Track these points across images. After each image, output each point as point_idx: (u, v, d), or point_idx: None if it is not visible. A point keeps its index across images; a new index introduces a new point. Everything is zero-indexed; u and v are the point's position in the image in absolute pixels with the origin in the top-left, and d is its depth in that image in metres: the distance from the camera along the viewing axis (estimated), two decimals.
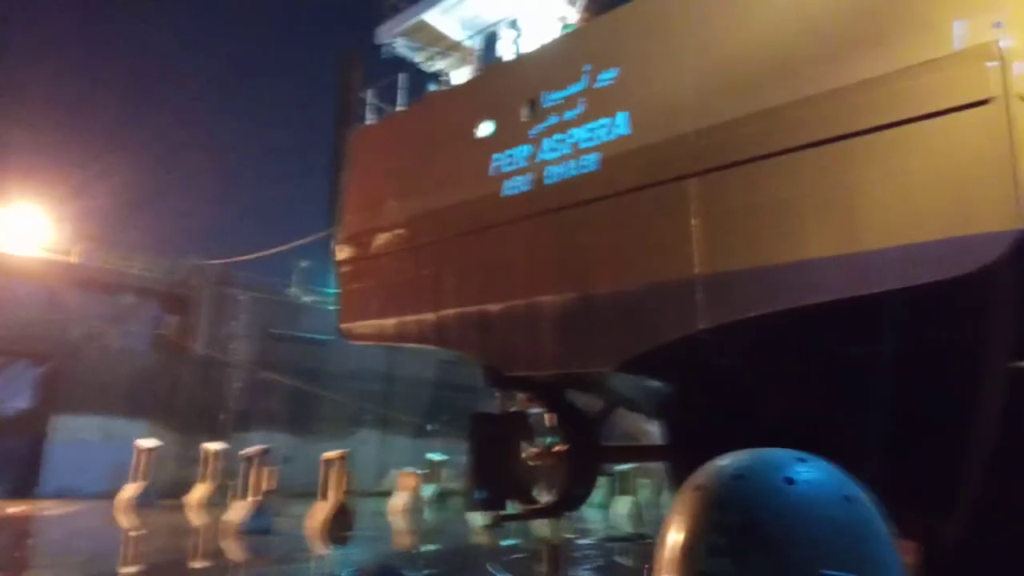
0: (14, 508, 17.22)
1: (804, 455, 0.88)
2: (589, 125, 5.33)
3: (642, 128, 5.05)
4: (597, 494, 19.70)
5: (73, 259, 24.21)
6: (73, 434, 22.11)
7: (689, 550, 0.79)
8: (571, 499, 7.32)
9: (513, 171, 5.65)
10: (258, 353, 25.85)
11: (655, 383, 5.93)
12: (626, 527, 17.57)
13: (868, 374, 4.49)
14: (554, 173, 5.39)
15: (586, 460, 6.85)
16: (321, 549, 12.76)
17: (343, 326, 8.04)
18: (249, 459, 14.70)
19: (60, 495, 19.56)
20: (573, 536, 14.55)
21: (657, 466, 10.34)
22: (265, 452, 14.78)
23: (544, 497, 7.69)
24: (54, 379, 23.32)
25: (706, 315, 4.74)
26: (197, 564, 11.15)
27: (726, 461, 0.85)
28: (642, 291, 5.07)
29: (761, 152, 4.53)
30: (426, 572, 11.09)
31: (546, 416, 7.18)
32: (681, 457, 5.71)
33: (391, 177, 7.02)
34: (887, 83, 4.11)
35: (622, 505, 19.88)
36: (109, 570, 10.65)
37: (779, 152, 4.48)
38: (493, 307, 6.23)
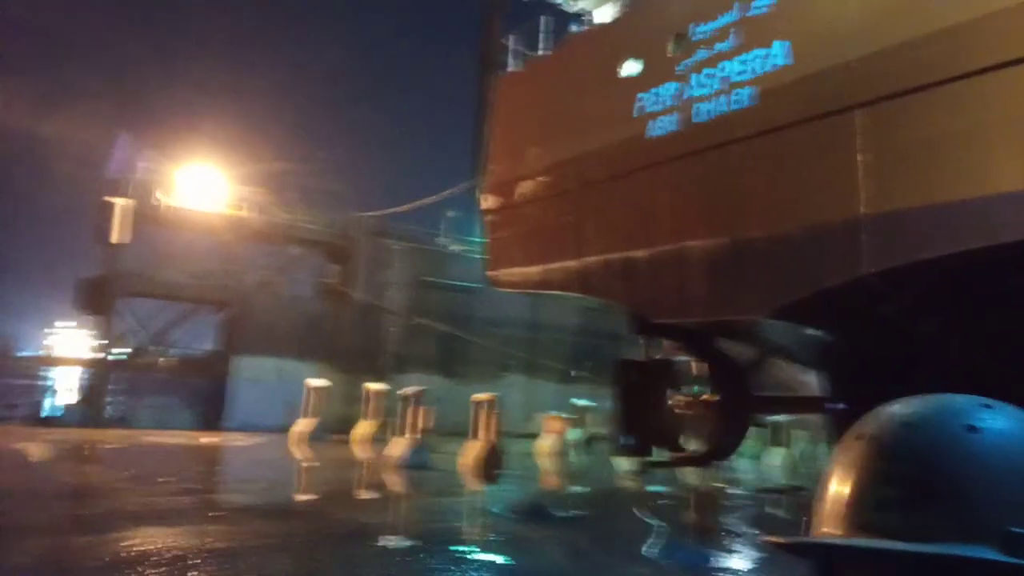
0: (206, 439, 19.35)
1: (990, 401, 0.78)
2: (743, 57, 4.98)
3: (802, 57, 4.66)
4: (748, 445, 19.20)
5: (246, 214, 26.25)
6: (251, 374, 24.34)
7: (854, 503, 0.73)
8: (720, 449, 7.15)
9: (659, 111, 5.41)
10: (411, 300, 27.13)
11: (813, 331, 5.58)
12: (779, 479, 17.03)
13: None
14: (704, 110, 5.12)
15: (736, 410, 6.64)
16: (474, 485, 13.38)
17: (490, 274, 8.17)
18: (407, 399, 15.56)
19: (242, 428, 21.73)
20: (722, 486, 14.30)
21: (814, 418, 9.86)
22: (421, 393, 15.57)
23: (692, 446, 7.57)
24: (233, 324, 25.70)
25: (872, 258, 4.37)
26: (364, 494, 12.03)
27: (897, 407, 0.76)
28: (801, 233, 4.74)
29: (940, 77, 4.04)
30: (574, 512, 11.34)
31: (694, 364, 6.99)
32: (842, 408, 5.38)
33: (534, 123, 6.98)
34: None
35: (775, 457, 19.27)
36: (287, 496, 11.75)
37: (961, 76, 3.98)
38: (638, 253, 6.08)
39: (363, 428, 18.73)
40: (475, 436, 15.14)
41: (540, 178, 6.76)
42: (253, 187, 27.13)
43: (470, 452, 14.97)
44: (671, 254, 5.51)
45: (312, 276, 28.60)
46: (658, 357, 6.89)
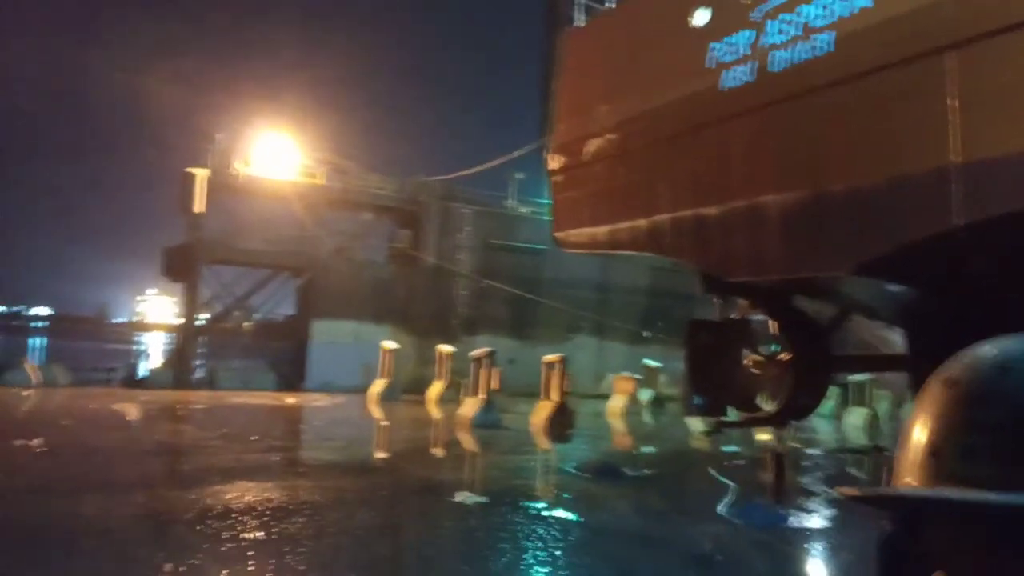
0: (289, 399, 20.16)
1: None
2: (822, 0, 4.73)
3: None
4: (827, 404, 18.74)
5: (320, 182, 26.84)
6: (329, 337, 25.12)
7: (939, 452, 0.68)
8: (797, 408, 7.00)
9: (733, 60, 5.21)
10: (480, 263, 27.35)
11: (897, 287, 5.36)
12: (860, 439, 16.60)
13: None
14: (781, 59, 4.90)
15: (814, 369, 6.47)
16: (544, 444, 13.54)
17: (557, 235, 8.12)
18: (477, 360, 15.80)
19: (322, 389, 22.53)
20: (799, 446, 14.05)
21: (897, 376, 9.53)
22: (491, 354, 15.77)
23: (768, 406, 7.44)
24: (310, 290, 26.50)
25: (962, 209, 4.14)
26: (438, 452, 12.35)
27: (987, 348, 0.70)
28: (885, 185, 4.53)
29: None
30: (645, 471, 11.37)
31: (770, 323, 6.83)
32: (927, 367, 5.15)
33: (601, 80, 6.83)
34: None
35: (855, 416, 18.77)
36: (366, 453, 12.18)
37: None
38: (711, 210, 5.93)
39: (435, 388, 19.16)
40: (545, 396, 15.28)
41: (608, 136, 6.65)
42: (326, 155, 27.70)
43: (540, 412, 15.13)
44: (745, 210, 5.36)
45: (384, 241, 29.14)
46: (732, 317, 6.76)
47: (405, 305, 26.60)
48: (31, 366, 20.64)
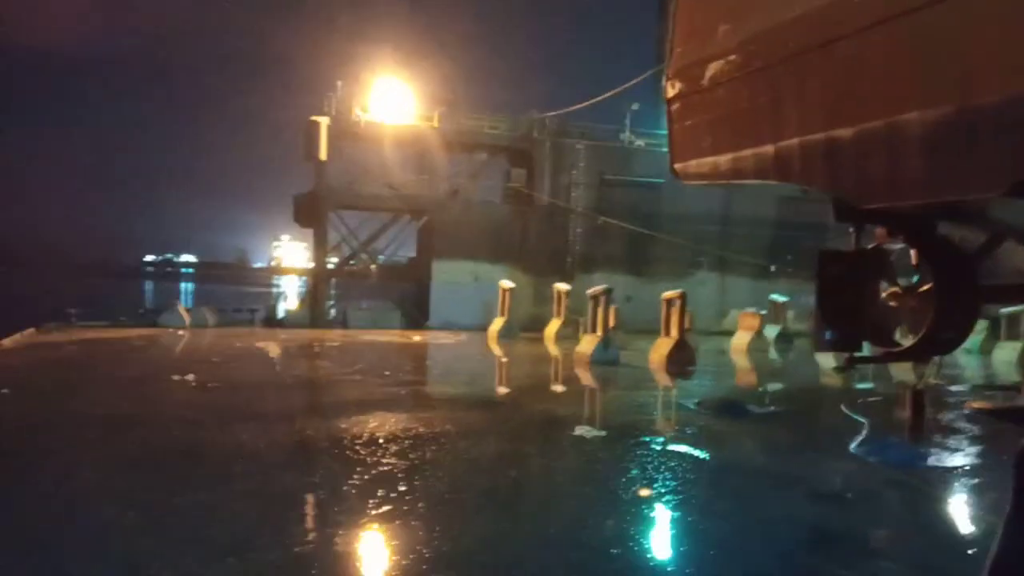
0: (416, 337, 21.01)
1: None
2: None
3: None
4: (975, 339, 17.47)
5: (435, 125, 27.17)
6: (449, 277, 25.84)
7: None
8: (939, 343, 6.55)
9: None
10: (596, 199, 27.02)
11: None
12: (1011, 375, 15.41)
13: None
14: None
15: (959, 301, 6.00)
16: (664, 381, 13.46)
17: (676, 166, 7.83)
18: (594, 298, 15.77)
19: (444, 327, 23.32)
20: (941, 383, 13.23)
21: None
22: (608, 291, 15.69)
23: (907, 341, 7.02)
24: (429, 232, 27.19)
25: None
26: (557, 388, 12.55)
27: None
28: None
29: None
30: (772, 408, 11.09)
31: (910, 252, 6.38)
32: None
33: None
34: None
35: (1007, 351, 17.42)
36: (489, 388, 12.57)
37: None
38: (843, 132, 5.52)
39: (553, 326, 19.35)
40: (665, 333, 15.10)
41: (730, 57, 6.29)
42: (441, 98, 27.93)
43: (659, 349, 14.99)
44: (884, 129, 4.96)
45: (499, 181, 29.30)
46: (868, 246, 6.36)
47: (521, 244, 26.81)
48: (182, 309, 22.55)
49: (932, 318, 6.44)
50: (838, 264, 6.24)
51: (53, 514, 5.14)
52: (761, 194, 23.88)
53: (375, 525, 5.03)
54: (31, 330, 17.76)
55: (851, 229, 6.19)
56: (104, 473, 6.23)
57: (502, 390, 12.43)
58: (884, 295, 6.76)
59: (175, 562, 4.26)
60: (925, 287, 6.33)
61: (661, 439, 8.15)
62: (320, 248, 27.22)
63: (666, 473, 6.63)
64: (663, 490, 6.07)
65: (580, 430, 8.52)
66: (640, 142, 28.32)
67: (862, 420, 9.32)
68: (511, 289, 20.46)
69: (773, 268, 25.03)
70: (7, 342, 15.46)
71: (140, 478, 6.13)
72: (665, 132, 6.97)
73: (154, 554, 4.40)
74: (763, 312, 19.67)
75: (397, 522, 5.06)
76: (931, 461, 7.59)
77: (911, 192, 5.13)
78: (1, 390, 9.93)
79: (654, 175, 25.28)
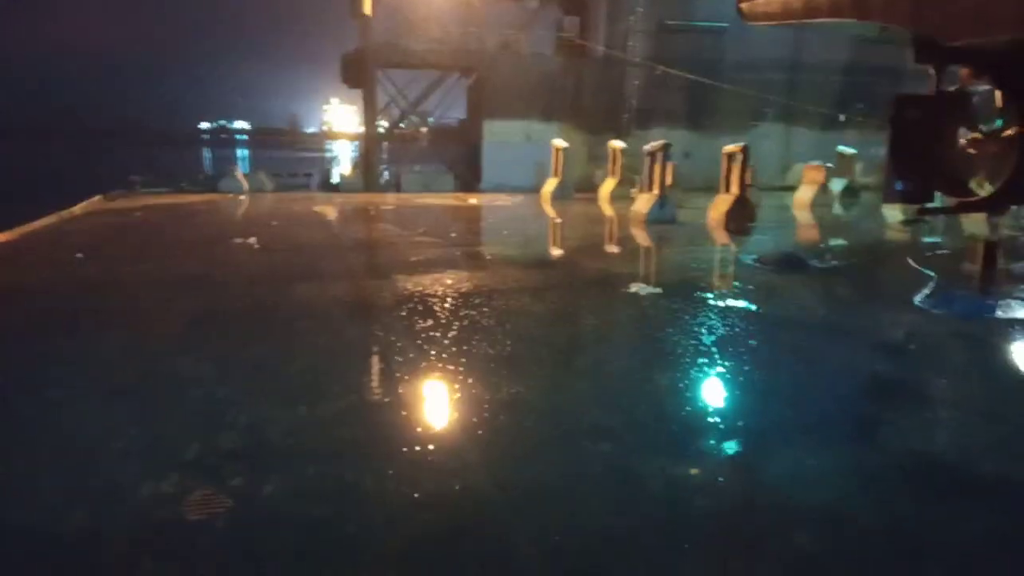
0: (467, 199, 21.00)
1: None
2: None
3: None
4: None
5: None
6: (500, 137, 25.38)
7: None
8: (1018, 192, 6.23)
9: None
10: (654, 48, 25.61)
11: None
12: None
13: None
14: None
15: None
16: (723, 238, 13.23)
17: (742, 6, 7.33)
18: (651, 155, 15.31)
19: (496, 189, 23.18)
20: (1018, 235, 12.66)
21: None
22: (665, 147, 15.19)
23: (983, 190, 6.68)
24: (479, 89, 26.46)
25: None
26: (611, 248, 12.51)
27: None
28: None
29: None
30: (834, 263, 10.86)
31: (996, 94, 5.94)
32: None
33: None
34: None
35: None
36: (543, 248, 12.60)
37: None
38: None
39: (608, 185, 19.01)
40: (725, 190, 14.68)
41: None
42: None
43: (719, 206, 14.64)
44: None
45: (551, 31, 27.94)
46: (949, 88, 5.91)
47: (574, 100, 25.92)
48: (240, 174, 22.89)
49: (1014, 165, 6.05)
50: (915, 108, 5.84)
51: (135, 365, 5.50)
52: (833, 35, 22.19)
53: (438, 375, 5.24)
54: (98, 197, 18.38)
55: (931, 71, 5.72)
56: (177, 330, 6.57)
57: (556, 251, 12.45)
58: (962, 142, 6.36)
59: (249, 410, 4.55)
60: (1009, 132, 5.91)
61: (717, 295, 8.11)
62: (369, 110, 26.89)
63: (722, 328, 6.64)
64: (718, 344, 6.10)
65: (634, 287, 8.53)
66: None
67: (930, 273, 9.05)
68: (564, 148, 20.01)
69: (843, 117, 23.71)
70: (77, 209, 16.08)
71: (212, 334, 6.46)
72: None
73: (230, 401, 4.70)
74: (829, 165, 18.86)
75: (460, 373, 5.25)
76: (999, 313, 7.39)
77: (1003, 26, 4.67)
78: (76, 254, 10.42)
79: (718, 19, 23.70)
